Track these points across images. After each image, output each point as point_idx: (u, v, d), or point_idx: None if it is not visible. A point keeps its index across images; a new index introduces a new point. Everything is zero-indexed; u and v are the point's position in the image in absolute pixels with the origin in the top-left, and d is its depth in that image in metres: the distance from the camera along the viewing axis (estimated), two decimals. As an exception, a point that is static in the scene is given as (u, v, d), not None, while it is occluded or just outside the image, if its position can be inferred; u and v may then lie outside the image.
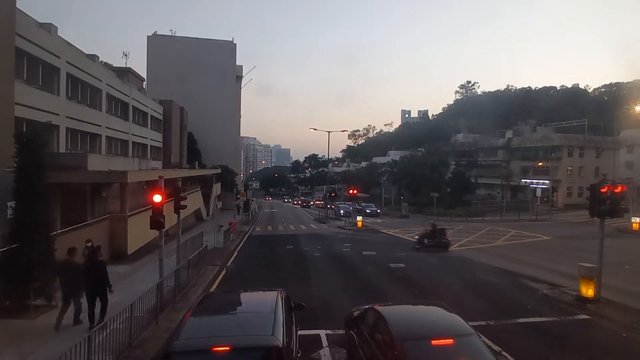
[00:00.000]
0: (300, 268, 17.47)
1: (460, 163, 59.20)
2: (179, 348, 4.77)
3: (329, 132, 40.92)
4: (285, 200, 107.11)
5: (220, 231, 25.42)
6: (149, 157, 38.99)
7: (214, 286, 14.33)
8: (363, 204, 47.56)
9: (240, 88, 67.14)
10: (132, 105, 34.30)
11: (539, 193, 44.73)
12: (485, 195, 54.46)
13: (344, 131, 49.07)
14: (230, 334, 5.05)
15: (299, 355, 6.15)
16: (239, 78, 64.59)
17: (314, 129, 38.34)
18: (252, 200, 76.65)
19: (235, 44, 63.19)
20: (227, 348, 4.62)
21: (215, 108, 59.74)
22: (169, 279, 11.81)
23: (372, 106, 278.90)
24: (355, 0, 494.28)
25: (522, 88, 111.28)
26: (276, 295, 6.31)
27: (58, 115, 21.06)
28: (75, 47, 25.82)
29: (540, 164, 45.61)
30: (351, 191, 36.50)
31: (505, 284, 14.44)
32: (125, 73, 41.14)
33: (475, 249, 22.06)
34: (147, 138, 38.92)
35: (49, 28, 21.24)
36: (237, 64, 64.20)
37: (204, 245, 17.43)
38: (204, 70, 59.55)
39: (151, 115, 40.64)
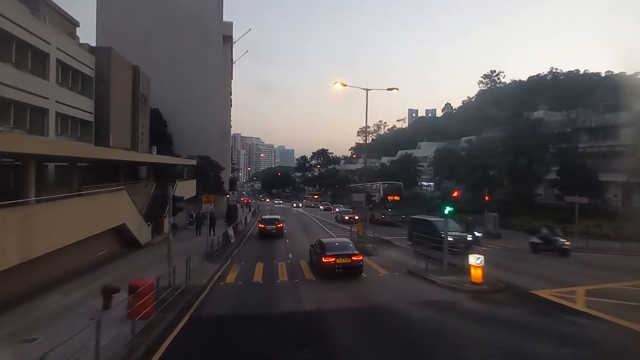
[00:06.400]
0: None
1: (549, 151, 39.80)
2: (260, 220, 33.29)
3: (367, 89, 23.90)
4: (294, 205, 75.42)
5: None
6: (53, 129, 22.17)
7: None
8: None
9: (232, 53, 49.94)
10: (19, 38, 17.54)
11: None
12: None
13: (391, 89, 24.77)
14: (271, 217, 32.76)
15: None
16: (228, 38, 47.41)
17: (343, 84, 21.26)
18: (256, 207, 59.62)
19: (223, -8, 46.24)
20: (272, 217, 32.91)
21: (194, 78, 42.79)
22: None
23: (377, 106, 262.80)
24: (355, 2, 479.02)
25: (569, 71, 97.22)
26: (280, 217, 34.09)
27: None
28: None
29: None
30: (455, 194, 18.63)
31: None
32: (33, 2, 24.48)
33: None
34: (50, 100, 22.04)
35: None
36: (225, 20, 47.18)
37: None
38: (178, 25, 42.68)
39: (68, 66, 23.91)
